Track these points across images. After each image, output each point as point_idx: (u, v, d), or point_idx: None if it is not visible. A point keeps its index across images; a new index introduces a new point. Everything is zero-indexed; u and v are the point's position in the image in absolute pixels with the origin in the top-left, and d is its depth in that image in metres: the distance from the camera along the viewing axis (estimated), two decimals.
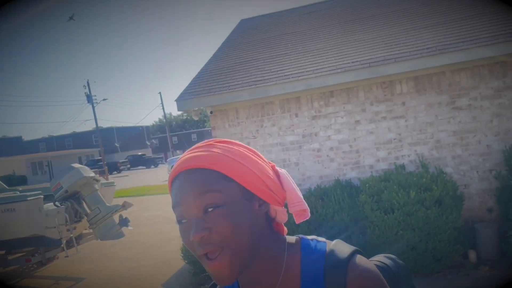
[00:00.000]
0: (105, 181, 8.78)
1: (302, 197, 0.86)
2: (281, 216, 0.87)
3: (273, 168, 0.86)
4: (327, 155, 5.81)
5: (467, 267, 4.56)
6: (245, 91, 5.71)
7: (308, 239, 0.86)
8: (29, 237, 6.07)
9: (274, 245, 0.84)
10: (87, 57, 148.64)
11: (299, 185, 4.61)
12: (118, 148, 52.59)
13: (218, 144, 0.82)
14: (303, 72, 5.64)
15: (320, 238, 0.86)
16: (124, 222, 6.45)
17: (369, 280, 0.76)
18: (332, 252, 0.80)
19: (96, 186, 6.48)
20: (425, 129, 5.40)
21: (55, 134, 60.59)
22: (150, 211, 12.42)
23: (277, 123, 6.03)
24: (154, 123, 76.94)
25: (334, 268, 0.78)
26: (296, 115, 5.94)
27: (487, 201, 5.22)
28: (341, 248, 0.81)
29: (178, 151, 50.69)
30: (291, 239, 0.87)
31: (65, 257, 6.57)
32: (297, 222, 0.88)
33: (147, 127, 65.78)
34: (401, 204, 4.47)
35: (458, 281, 4.27)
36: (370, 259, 0.91)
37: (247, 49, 7.37)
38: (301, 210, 0.85)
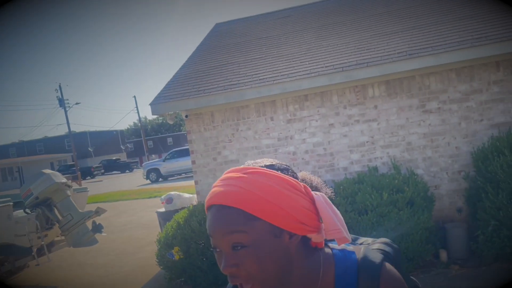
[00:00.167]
0: (77, 187, 8.60)
1: (340, 222, 0.85)
2: (317, 239, 0.88)
3: (308, 193, 0.84)
4: (302, 158, 5.87)
5: (438, 267, 4.69)
6: (221, 95, 5.71)
7: (337, 249, 0.91)
8: None
9: (310, 260, 0.87)
10: (59, 61, 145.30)
11: None
12: (92, 153, 51.54)
13: (251, 175, 0.81)
14: (278, 76, 5.69)
15: (348, 248, 0.91)
16: (97, 228, 6.33)
17: (397, 284, 0.84)
18: (364, 260, 0.86)
19: (68, 192, 6.34)
20: (397, 132, 5.53)
21: (26, 139, 58.93)
22: (124, 216, 12.22)
23: (252, 126, 6.05)
24: (129, 127, 75.78)
25: (367, 277, 0.84)
26: (272, 119, 5.97)
27: (456, 202, 5.38)
28: (372, 256, 0.87)
29: (153, 155, 50.02)
30: (326, 249, 0.91)
31: (36, 265, 6.39)
32: (339, 244, 0.88)
33: (121, 131, 64.71)
34: (375, 205, 4.56)
35: (430, 280, 4.38)
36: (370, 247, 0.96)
37: (222, 53, 7.38)
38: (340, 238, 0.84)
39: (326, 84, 5.39)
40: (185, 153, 21.60)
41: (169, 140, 57.38)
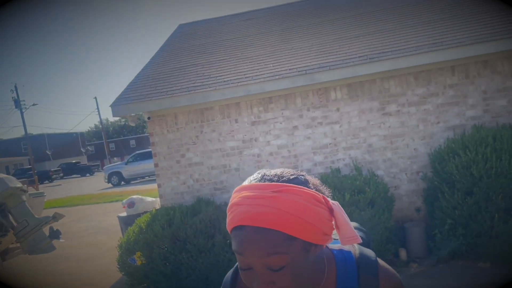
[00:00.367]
0: (34, 191, 8.24)
1: (354, 229, 0.88)
2: (328, 244, 0.93)
3: (327, 203, 0.86)
4: (267, 160, 5.89)
5: (398, 265, 4.82)
6: (184, 96, 5.64)
7: (336, 249, 0.98)
8: None
9: (317, 261, 0.92)
10: (14, 60, 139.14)
11: None
12: (50, 156, 49.69)
13: (283, 194, 0.81)
14: (242, 78, 5.68)
15: (344, 247, 0.98)
16: (55, 234, 6.07)
17: (395, 280, 0.94)
18: (362, 257, 0.95)
19: (24, 197, 6.05)
20: (358, 134, 5.65)
21: None
22: (84, 222, 11.83)
23: (217, 128, 6.01)
24: (90, 129, 73.60)
25: (367, 273, 0.93)
26: (236, 121, 5.96)
27: (415, 202, 5.55)
28: (367, 253, 0.97)
29: (115, 158, 48.84)
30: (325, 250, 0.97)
31: None
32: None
33: (81, 134, 62.78)
34: None
35: None
36: None
37: (185, 54, 7.30)
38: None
39: (290, 87, 5.44)
40: (148, 155, 21.20)
41: (132, 142, 56.22)
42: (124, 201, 7.40)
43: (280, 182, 0.84)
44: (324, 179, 5.17)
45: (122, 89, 6.40)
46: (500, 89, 5.27)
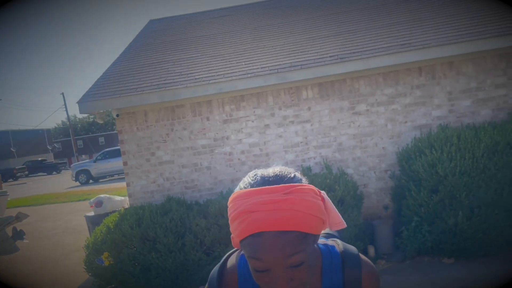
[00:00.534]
0: None
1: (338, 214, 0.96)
2: None
3: (320, 194, 0.90)
4: (239, 159, 5.87)
5: None
6: (154, 93, 5.55)
7: (321, 243, 1.05)
8: None
9: None
10: None
11: (210, 189, 4.56)
12: (15, 153, 47.93)
13: (293, 194, 0.84)
14: (214, 75, 5.64)
15: (328, 241, 1.06)
16: (18, 235, 5.86)
17: (375, 271, 1.03)
18: (346, 253, 1.02)
19: None
20: (329, 133, 5.71)
21: None
22: (50, 221, 11.48)
23: (188, 126, 5.94)
24: (57, 126, 71.47)
25: (351, 266, 1.00)
26: (208, 119, 5.91)
27: (383, 199, 5.67)
28: (350, 248, 1.04)
29: (83, 156, 47.64)
30: None
31: None
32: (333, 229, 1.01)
33: (48, 131, 60.85)
34: None
35: None
36: None
37: (156, 50, 7.18)
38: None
39: (262, 85, 5.44)
40: (118, 153, 20.77)
41: (101, 139, 54.94)
42: (91, 200, 7.22)
43: (286, 183, 0.87)
44: None
45: (90, 85, 6.23)
46: (465, 90, 5.45)
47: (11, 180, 36.43)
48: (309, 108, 5.72)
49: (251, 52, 6.23)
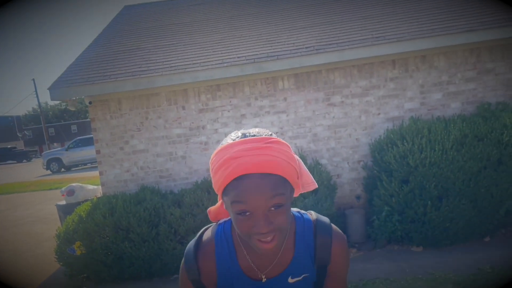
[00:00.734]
0: None
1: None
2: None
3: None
4: (214, 148, 5.84)
5: None
6: (129, 81, 5.45)
7: (295, 211, 1.13)
8: None
9: None
10: None
11: (185, 179, 4.54)
12: None
13: (275, 145, 0.94)
14: (190, 64, 5.58)
15: (301, 211, 1.14)
16: None
17: (344, 240, 1.12)
18: (318, 221, 1.11)
19: None
20: (304, 124, 5.76)
21: None
22: (20, 210, 11.20)
23: (163, 115, 5.88)
24: (27, 113, 69.37)
25: (322, 233, 1.08)
26: (183, 108, 5.86)
27: (356, 189, 5.78)
28: (323, 218, 1.12)
29: (55, 144, 46.49)
30: None
31: None
32: (295, 195, 1.08)
33: (18, 117, 59.03)
34: None
35: None
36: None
37: (131, 37, 7.03)
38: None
39: (239, 75, 5.42)
40: (91, 141, 20.36)
41: (73, 127, 53.71)
42: (63, 189, 7.08)
43: (266, 136, 0.96)
44: None
45: (62, 72, 6.06)
46: (436, 83, 5.58)
47: None
48: (285, 99, 5.75)
49: (228, 41, 6.19)
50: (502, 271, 3.82)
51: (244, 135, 0.96)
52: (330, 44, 5.41)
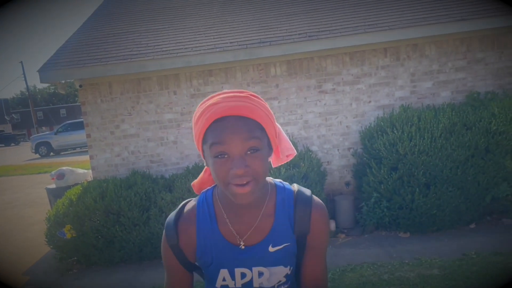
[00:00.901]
0: None
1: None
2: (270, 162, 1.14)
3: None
4: None
5: None
6: (120, 65, 5.40)
7: (277, 181, 1.15)
8: None
9: (265, 183, 1.09)
10: None
11: (176, 164, 4.56)
12: None
13: (253, 98, 0.99)
14: (182, 48, 5.54)
15: (284, 182, 1.16)
16: None
17: (324, 214, 1.11)
18: (299, 191, 1.12)
19: None
20: (295, 111, 5.78)
21: None
22: (8, 194, 11.12)
23: (154, 100, 5.85)
24: (15, 96, 68.31)
25: (302, 203, 1.09)
26: (175, 93, 5.83)
27: (345, 176, 5.85)
28: (304, 191, 1.13)
29: (44, 128, 45.95)
30: (268, 179, 1.13)
31: None
32: (274, 166, 1.15)
33: (6, 100, 58.13)
34: None
35: None
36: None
37: (122, 20, 6.94)
38: (291, 155, 1.10)
39: (231, 61, 5.40)
40: (81, 126, 20.20)
41: (62, 111, 53.08)
42: (53, 172, 7.04)
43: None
44: None
45: (51, 55, 5.98)
46: (427, 72, 5.62)
47: None
48: (277, 85, 5.75)
49: (220, 26, 6.15)
50: (486, 257, 3.92)
51: (224, 93, 1.02)
52: (322, 31, 5.40)
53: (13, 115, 54.93)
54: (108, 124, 5.87)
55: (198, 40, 5.74)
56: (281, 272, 1.09)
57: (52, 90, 60.79)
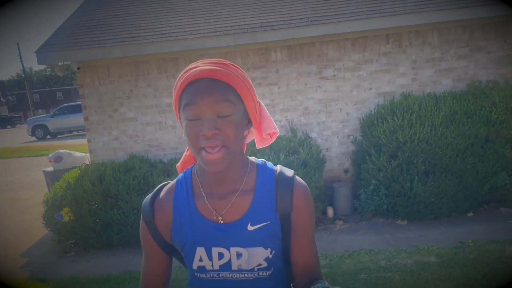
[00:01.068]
0: None
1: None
2: (250, 137, 1.12)
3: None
4: None
5: (325, 222, 5.11)
6: (118, 47, 5.32)
7: (260, 161, 1.12)
8: None
9: (243, 157, 1.08)
10: None
11: (175, 149, 4.53)
12: None
13: (232, 66, 0.99)
14: (181, 32, 5.46)
15: (267, 162, 1.12)
16: None
17: (307, 193, 1.08)
18: (281, 172, 1.09)
19: None
20: (296, 97, 5.74)
21: None
22: (5, 176, 11.10)
23: (153, 83, 5.79)
24: (11, 78, 67.73)
25: (283, 184, 1.06)
26: (174, 76, 5.77)
27: (344, 163, 5.84)
28: (287, 170, 1.10)
29: (40, 110, 45.70)
30: (250, 158, 1.12)
31: None
32: (258, 147, 1.13)
33: (1, 82, 57.62)
34: None
35: (317, 235, 4.75)
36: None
37: (120, 2, 6.83)
38: (274, 133, 1.08)
39: (231, 45, 5.33)
40: (78, 108, 20.07)
41: (59, 94, 52.72)
42: (50, 155, 7.01)
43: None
44: None
45: (47, 37, 5.89)
46: (428, 59, 5.57)
47: None
48: (277, 71, 5.70)
49: (220, 9, 6.06)
50: (483, 245, 3.94)
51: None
52: (324, 15, 5.33)
53: (9, 97, 54.54)
54: (106, 107, 5.82)
55: (198, 23, 5.66)
56: (260, 254, 1.04)
57: (49, 73, 60.29)
